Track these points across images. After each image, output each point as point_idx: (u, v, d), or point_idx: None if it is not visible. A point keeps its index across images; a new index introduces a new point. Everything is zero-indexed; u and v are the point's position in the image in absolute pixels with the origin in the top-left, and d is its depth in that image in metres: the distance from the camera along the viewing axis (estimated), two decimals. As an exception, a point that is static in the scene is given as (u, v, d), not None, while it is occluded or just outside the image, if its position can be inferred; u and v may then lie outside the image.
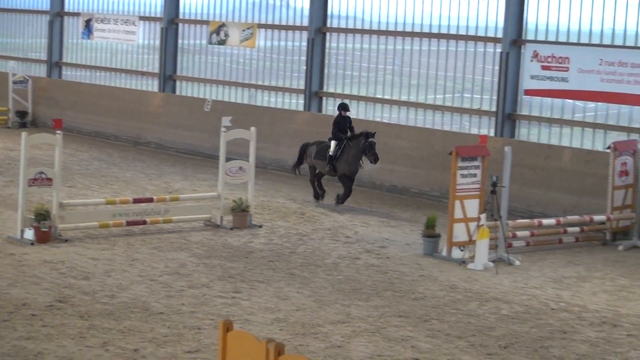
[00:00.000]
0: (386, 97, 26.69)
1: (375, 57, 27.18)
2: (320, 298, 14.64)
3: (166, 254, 16.91)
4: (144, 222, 18.44)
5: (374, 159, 20.21)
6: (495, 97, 23.32)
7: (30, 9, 37.76)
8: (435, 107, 25.07)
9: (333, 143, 20.45)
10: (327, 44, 26.86)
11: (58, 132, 17.55)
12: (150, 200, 19.16)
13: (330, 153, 20.34)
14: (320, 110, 27.62)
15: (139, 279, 15.23)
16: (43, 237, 16.72)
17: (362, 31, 26.72)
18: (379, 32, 26.71)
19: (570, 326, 13.83)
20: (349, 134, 20.78)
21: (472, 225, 17.06)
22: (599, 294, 15.64)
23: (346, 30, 27.03)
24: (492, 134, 22.95)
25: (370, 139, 19.99)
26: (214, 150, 25.19)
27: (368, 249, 17.99)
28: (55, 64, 35.65)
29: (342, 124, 20.72)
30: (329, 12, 27.40)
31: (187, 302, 14.14)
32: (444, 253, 17.21)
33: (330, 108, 27.09)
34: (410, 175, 24.31)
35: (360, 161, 20.44)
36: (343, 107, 20.97)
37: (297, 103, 28.88)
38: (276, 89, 29.17)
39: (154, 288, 14.73)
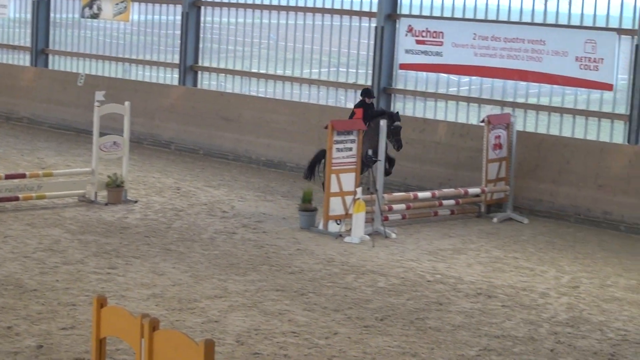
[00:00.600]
0: (262, 71, 26.72)
1: (251, 32, 27.20)
2: (196, 273, 14.54)
3: (40, 230, 16.72)
4: (17, 199, 18.20)
5: (398, 146, 17.83)
6: (370, 72, 23.75)
7: None
8: (311, 82, 25.28)
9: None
10: (202, 18, 26.60)
11: None
12: (22, 176, 18.82)
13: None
14: (195, 84, 27.52)
15: (11, 256, 14.93)
16: None
17: (237, 5, 26.73)
18: (254, 6, 26.66)
19: (445, 298, 14.08)
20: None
21: (349, 199, 17.45)
22: (474, 265, 15.98)
23: (221, 4, 27.04)
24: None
25: (395, 123, 17.38)
26: (87, 125, 24.84)
27: (245, 223, 17.93)
28: None
29: (367, 112, 17.85)
30: (203, -14, 27.90)
31: (62, 278, 13.92)
32: (321, 227, 17.22)
33: (206, 82, 27.16)
34: (287, 149, 24.49)
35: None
36: (367, 94, 18.26)
37: (172, 77, 28.69)
38: (151, 63, 28.96)
39: (28, 265, 14.54)
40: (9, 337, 11.77)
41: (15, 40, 32.94)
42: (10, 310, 12.65)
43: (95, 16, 30.09)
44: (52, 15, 31.45)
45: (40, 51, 31.01)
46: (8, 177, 18.89)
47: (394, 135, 17.13)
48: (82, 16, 30.34)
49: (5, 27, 32.81)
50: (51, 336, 11.68)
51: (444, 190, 19.65)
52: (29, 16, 31.77)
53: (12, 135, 29.15)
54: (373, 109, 17.83)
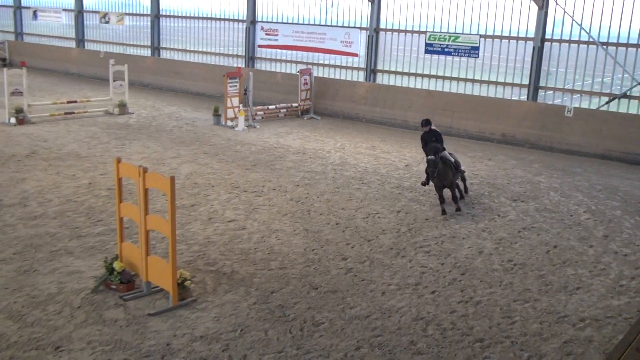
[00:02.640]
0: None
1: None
2: (164, 146, 16.54)
3: (86, 128, 18.81)
4: (73, 113, 20.81)
5: (428, 177, 12.40)
6: (243, 48, 26.48)
7: None
8: (221, 54, 27.76)
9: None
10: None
11: (24, 67, 19.45)
12: (75, 101, 21.47)
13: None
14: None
15: (73, 140, 17.00)
16: (21, 122, 19.33)
17: None
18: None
19: (283, 154, 16.07)
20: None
21: (236, 109, 19.82)
22: (296, 140, 17.90)
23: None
24: (243, 65, 26.06)
25: (429, 157, 11.78)
26: (105, 75, 27.92)
27: (187, 122, 20.26)
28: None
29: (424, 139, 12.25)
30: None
31: (98, 150, 15.94)
32: (223, 123, 19.61)
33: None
34: (206, 87, 26.83)
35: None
36: (424, 124, 12.71)
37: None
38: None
39: (81, 144, 16.75)
40: (75, 179, 13.63)
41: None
42: (73, 166, 14.46)
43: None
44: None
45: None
46: (69, 102, 21.18)
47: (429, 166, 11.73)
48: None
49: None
50: (94, 178, 13.73)
51: (281, 104, 22.42)
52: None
53: (78, 82, 30.09)
54: (430, 137, 12.25)
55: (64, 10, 33.87)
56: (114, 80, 21.22)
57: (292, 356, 7.03)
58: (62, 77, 31.47)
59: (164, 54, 29.83)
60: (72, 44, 33.95)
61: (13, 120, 19.03)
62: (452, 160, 12.10)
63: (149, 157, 15.51)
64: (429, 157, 11.53)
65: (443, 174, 11.72)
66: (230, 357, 6.93)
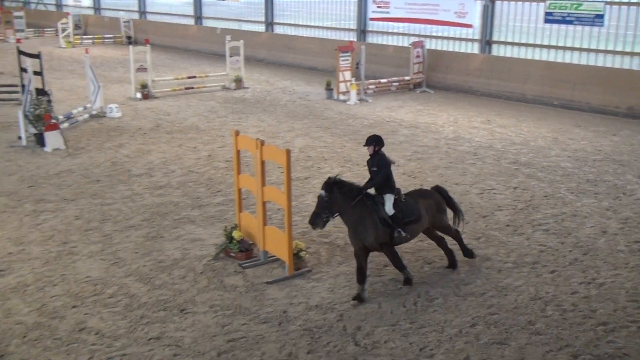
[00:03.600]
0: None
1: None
2: (278, 119, 16.99)
3: (204, 102, 19.57)
4: (192, 88, 21.59)
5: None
6: (355, 22, 26.20)
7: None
8: (332, 28, 27.24)
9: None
10: None
11: (148, 45, 20.53)
12: (194, 77, 22.19)
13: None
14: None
15: (192, 114, 17.82)
16: (145, 96, 20.25)
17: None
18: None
19: (395, 128, 16.13)
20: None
21: (348, 83, 19.50)
22: (408, 113, 17.89)
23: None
24: (355, 39, 25.74)
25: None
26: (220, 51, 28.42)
27: (300, 96, 20.49)
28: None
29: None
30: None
31: (216, 124, 16.50)
32: (335, 97, 19.78)
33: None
34: (318, 61, 26.92)
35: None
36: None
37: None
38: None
39: (200, 118, 17.49)
40: (195, 151, 14.07)
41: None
42: (194, 139, 15.04)
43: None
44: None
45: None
46: (189, 77, 22.04)
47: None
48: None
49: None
50: (214, 150, 14.25)
51: (393, 77, 22.01)
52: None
53: (186, 58, 31.03)
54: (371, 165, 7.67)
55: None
56: (230, 56, 21.88)
57: (405, 329, 7.07)
58: (182, 54, 32.60)
59: (277, 29, 30.29)
60: (191, 21, 35.15)
61: (139, 95, 20.14)
62: (386, 206, 7.65)
63: (264, 130, 16.07)
64: (321, 191, 7.49)
65: (359, 228, 7.51)
66: (345, 327, 7.02)
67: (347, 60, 19.90)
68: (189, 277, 8.03)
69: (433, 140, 15.03)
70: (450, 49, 23.05)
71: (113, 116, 17.46)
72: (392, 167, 7.78)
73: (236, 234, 8.48)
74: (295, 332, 6.88)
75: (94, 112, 17.55)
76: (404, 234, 7.59)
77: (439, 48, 23.21)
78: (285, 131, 16.02)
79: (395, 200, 7.60)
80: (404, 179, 12.20)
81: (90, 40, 36.14)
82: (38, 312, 7.33)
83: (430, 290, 7.83)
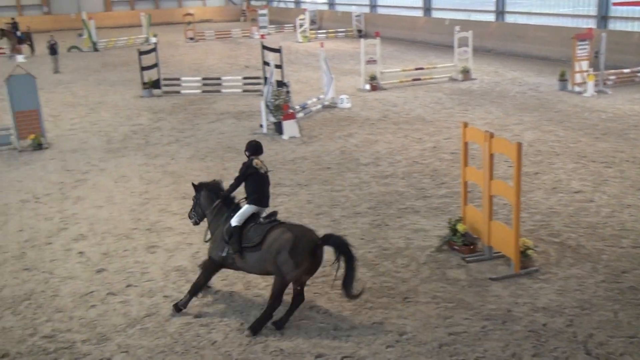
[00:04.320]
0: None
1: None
2: (506, 112, 16.83)
3: (431, 94, 19.80)
4: (419, 79, 21.85)
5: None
6: (596, 7, 24.97)
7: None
8: (568, 15, 26.25)
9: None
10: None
11: (378, 37, 20.93)
12: (421, 68, 22.51)
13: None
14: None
15: (419, 106, 18.21)
16: (374, 88, 20.82)
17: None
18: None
19: (639, 123, 15.37)
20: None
21: (585, 74, 19.04)
22: None
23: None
24: (594, 26, 24.43)
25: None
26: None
27: (531, 88, 20.08)
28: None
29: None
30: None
31: (442, 115, 16.88)
32: (570, 88, 19.11)
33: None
34: (551, 50, 25.69)
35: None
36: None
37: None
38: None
39: (426, 109, 17.65)
40: (421, 142, 14.22)
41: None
42: (419, 130, 15.10)
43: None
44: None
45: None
46: (417, 69, 22.21)
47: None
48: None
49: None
50: (439, 141, 14.14)
51: (638, 67, 20.38)
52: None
53: (417, 50, 31.69)
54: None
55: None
56: (458, 47, 21.71)
57: (645, 343, 6.32)
58: (410, 45, 33.10)
59: (508, 18, 29.49)
60: (420, 13, 35.40)
61: (367, 86, 20.76)
62: (234, 217, 7.09)
63: (491, 122, 15.86)
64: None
65: (213, 235, 7.18)
66: (575, 334, 6.64)
67: (585, 49, 18.99)
68: (412, 267, 8.11)
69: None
70: None
71: (343, 107, 18.15)
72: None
73: (460, 227, 8.39)
74: (519, 333, 6.64)
75: (327, 103, 18.39)
76: (229, 253, 6.80)
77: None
78: (513, 124, 15.71)
79: (253, 215, 6.81)
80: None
81: (325, 35, 37.85)
82: (274, 287, 7.72)
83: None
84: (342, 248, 6.55)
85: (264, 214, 6.92)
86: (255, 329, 6.70)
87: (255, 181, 6.95)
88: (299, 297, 6.79)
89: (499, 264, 8.10)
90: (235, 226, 6.79)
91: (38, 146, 14.70)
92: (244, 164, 7.12)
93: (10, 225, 10.29)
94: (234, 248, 6.79)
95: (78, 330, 7.05)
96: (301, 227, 6.82)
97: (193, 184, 7.53)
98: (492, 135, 7.70)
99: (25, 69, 15.31)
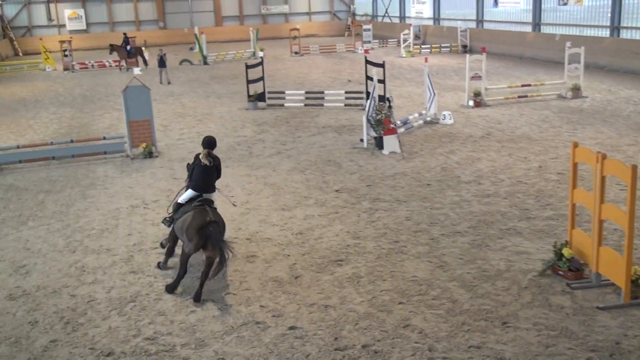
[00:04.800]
0: None
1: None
2: (619, 132, 15.87)
3: (538, 112, 19.12)
4: (526, 96, 21.29)
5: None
6: None
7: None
8: None
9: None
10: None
11: (484, 53, 20.74)
12: (528, 85, 21.86)
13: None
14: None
15: (525, 123, 17.40)
16: (478, 104, 20.35)
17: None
18: None
19: None
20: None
21: None
22: None
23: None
24: None
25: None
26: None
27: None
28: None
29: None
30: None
31: (550, 133, 16.19)
32: None
33: None
34: None
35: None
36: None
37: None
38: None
39: (532, 128, 17.15)
40: (526, 161, 14.05)
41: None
42: (525, 148, 14.82)
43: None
44: None
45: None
46: (523, 85, 21.65)
47: None
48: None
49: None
50: (545, 161, 13.67)
51: None
52: None
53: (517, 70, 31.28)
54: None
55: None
56: (569, 63, 21.11)
57: None
58: (517, 61, 32.48)
59: (624, 34, 28.42)
60: (528, 28, 34.72)
61: (471, 102, 20.55)
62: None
63: (602, 143, 15.31)
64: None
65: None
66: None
67: None
68: (513, 290, 7.85)
69: None
70: None
71: (446, 123, 18.06)
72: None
73: (566, 252, 8.05)
74: (629, 368, 6.09)
75: (428, 119, 18.37)
76: (167, 221, 8.89)
77: None
78: (627, 145, 15.10)
79: (196, 198, 8.39)
80: None
81: (428, 50, 37.76)
82: (369, 303, 7.85)
83: None
84: (215, 243, 7.79)
85: (209, 198, 8.42)
86: (168, 290, 8.36)
87: (196, 171, 8.41)
88: (206, 270, 8.03)
89: (607, 292, 7.74)
90: (178, 203, 8.50)
91: (149, 154, 15.37)
92: (195, 155, 8.56)
93: (120, 229, 10.79)
94: (170, 218, 8.63)
95: (178, 334, 7.27)
96: (201, 210, 8.01)
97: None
98: (604, 156, 7.42)
99: (141, 81, 16.08)
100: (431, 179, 13.05)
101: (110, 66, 36.34)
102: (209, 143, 8.61)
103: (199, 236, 7.78)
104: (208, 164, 8.40)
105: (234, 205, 10.97)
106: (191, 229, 7.86)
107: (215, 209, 8.32)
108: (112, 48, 34.45)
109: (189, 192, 8.46)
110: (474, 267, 8.79)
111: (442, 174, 13.40)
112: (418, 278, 8.51)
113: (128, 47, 34.11)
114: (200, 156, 8.47)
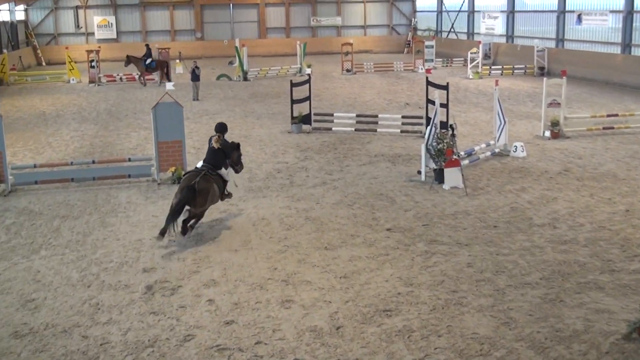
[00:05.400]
0: None
1: None
2: None
3: (626, 146, 18.74)
4: (612, 127, 20.83)
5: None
6: None
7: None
8: None
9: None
10: None
11: (564, 77, 20.29)
12: (616, 115, 21.46)
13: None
14: None
15: (610, 159, 17.21)
16: (555, 135, 20.31)
17: None
18: None
19: None
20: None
21: None
22: None
23: None
24: None
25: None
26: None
27: None
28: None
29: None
30: None
31: (638, 172, 16.01)
32: None
33: None
34: None
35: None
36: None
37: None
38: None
39: (619, 164, 16.78)
40: (610, 204, 14.02)
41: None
42: (609, 188, 14.75)
43: None
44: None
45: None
46: (609, 115, 21.31)
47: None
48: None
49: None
50: (633, 204, 13.18)
51: None
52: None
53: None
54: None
55: (611, 12, 34.26)
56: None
57: None
58: (603, 87, 32.22)
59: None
60: (617, 50, 34.39)
61: (547, 133, 20.37)
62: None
63: None
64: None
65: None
66: None
67: None
68: (591, 355, 7.66)
69: None
70: None
71: (517, 155, 17.96)
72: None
73: (658, 313, 7.72)
74: None
75: (497, 150, 18.32)
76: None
77: None
78: None
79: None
80: None
81: (499, 71, 37.80)
82: (420, 362, 7.57)
83: None
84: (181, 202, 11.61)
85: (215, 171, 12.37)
86: (161, 232, 11.46)
87: (208, 151, 12.36)
88: (184, 224, 12.00)
89: None
90: (195, 167, 12.24)
91: (178, 180, 15.54)
92: (209, 137, 12.54)
93: (140, 263, 10.90)
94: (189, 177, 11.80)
95: (200, 387, 7.21)
96: (194, 174, 12.02)
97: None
98: None
99: (173, 97, 16.40)
100: (498, 220, 12.98)
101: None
102: (220, 127, 12.55)
103: (182, 193, 11.52)
104: (216, 147, 12.18)
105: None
106: (180, 188, 11.68)
107: (217, 175, 12.19)
108: (129, 60, 35.03)
109: (200, 162, 12.34)
110: (546, 325, 8.64)
111: (511, 215, 13.31)
112: (479, 335, 8.37)
113: (148, 61, 34.57)
114: (213, 140, 12.25)
